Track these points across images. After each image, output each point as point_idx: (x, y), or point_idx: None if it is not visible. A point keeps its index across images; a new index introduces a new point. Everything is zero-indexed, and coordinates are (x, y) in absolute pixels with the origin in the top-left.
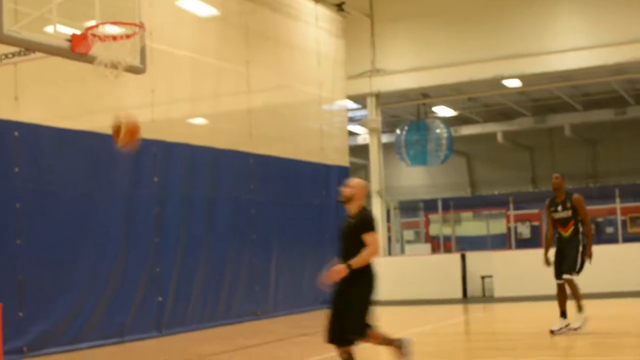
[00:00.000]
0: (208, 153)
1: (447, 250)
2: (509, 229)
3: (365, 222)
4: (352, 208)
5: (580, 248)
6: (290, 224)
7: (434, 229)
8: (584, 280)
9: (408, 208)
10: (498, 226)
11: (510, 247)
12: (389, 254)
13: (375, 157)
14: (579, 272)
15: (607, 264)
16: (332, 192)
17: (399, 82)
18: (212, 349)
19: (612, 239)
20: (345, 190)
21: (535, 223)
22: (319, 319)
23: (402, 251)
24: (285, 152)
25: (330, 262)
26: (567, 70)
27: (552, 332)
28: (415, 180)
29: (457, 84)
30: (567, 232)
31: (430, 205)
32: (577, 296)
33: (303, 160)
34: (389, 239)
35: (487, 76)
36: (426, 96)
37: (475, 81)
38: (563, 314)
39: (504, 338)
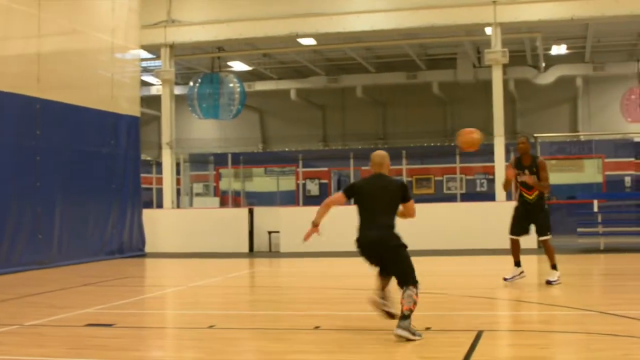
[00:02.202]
0: None
1: (236, 205)
2: (297, 185)
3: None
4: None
5: (548, 209)
6: (76, 172)
7: (224, 184)
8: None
9: (198, 161)
10: (288, 183)
11: (298, 204)
12: (177, 206)
13: (167, 109)
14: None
15: None
16: (122, 142)
17: (194, 34)
18: None
19: None
20: None
21: (324, 181)
22: (104, 269)
23: (191, 204)
24: (74, 99)
25: None
26: (360, 31)
27: (505, 279)
28: (207, 133)
29: (252, 39)
30: (532, 196)
31: (220, 160)
32: (552, 255)
33: (92, 108)
34: (178, 191)
35: (282, 33)
36: (221, 50)
37: (270, 37)
38: (517, 264)
39: (286, 292)
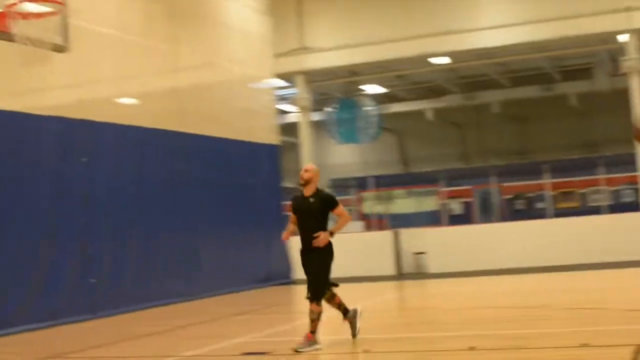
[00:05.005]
0: (136, 132)
1: (381, 227)
2: (441, 205)
3: (330, 200)
4: (309, 189)
5: None
6: (220, 204)
7: (367, 207)
8: (516, 255)
9: (340, 186)
10: (430, 203)
11: (442, 224)
12: None
13: (305, 135)
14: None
15: (538, 239)
16: (262, 171)
17: (327, 60)
18: (147, 330)
19: (542, 215)
20: (304, 175)
21: (467, 199)
22: (253, 298)
23: None
24: (214, 131)
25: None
26: (493, 47)
27: None
28: (346, 158)
29: (385, 61)
30: None
31: (362, 183)
32: None
33: (232, 138)
34: None
35: (414, 53)
36: (355, 74)
37: (403, 58)
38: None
39: (436, 313)
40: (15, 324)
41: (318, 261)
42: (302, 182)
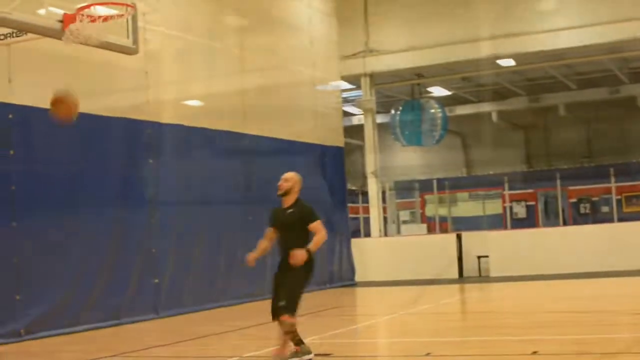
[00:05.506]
0: (202, 134)
1: (443, 230)
2: (504, 208)
3: (308, 213)
4: (289, 200)
5: None
6: None
7: (429, 210)
8: (580, 260)
9: (403, 188)
10: (494, 206)
11: (506, 227)
12: (385, 234)
13: (370, 138)
14: None
15: (602, 243)
16: (327, 172)
17: (392, 62)
18: (209, 330)
19: (607, 219)
20: (284, 185)
21: (531, 203)
22: (316, 299)
23: (399, 232)
24: (279, 133)
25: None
26: (560, 49)
27: None
28: (410, 160)
29: (450, 63)
30: None
31: (425, 186)
32: None
33: (298, 140)
34: (385, 219)
35: (480, 55)
36: (420, 76)
37: (468, 61)
38: None
39: (499, 317)
40: (80, 322)
41: (294, 277)
42: (280, 192)
